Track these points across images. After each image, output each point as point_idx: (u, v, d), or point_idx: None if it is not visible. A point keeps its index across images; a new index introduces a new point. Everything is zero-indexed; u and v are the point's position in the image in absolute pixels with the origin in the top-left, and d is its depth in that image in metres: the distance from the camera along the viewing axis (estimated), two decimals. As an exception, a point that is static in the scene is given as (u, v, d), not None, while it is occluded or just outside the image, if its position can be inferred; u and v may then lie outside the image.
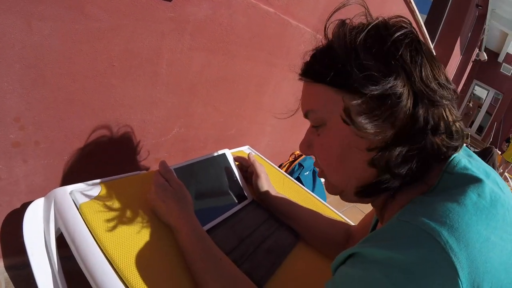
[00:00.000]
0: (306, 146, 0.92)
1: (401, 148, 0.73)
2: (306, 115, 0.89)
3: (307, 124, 0.92)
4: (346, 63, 0.74)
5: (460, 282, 0.57)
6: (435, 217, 0.64)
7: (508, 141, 11.30)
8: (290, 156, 3.39)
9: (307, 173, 3.31)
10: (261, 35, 2.17)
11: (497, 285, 0.60)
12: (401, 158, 0.73)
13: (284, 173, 1.84)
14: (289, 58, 2.51)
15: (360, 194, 0.84)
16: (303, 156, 3.32)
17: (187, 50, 1.73)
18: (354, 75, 0.73)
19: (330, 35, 0.82)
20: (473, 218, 0.63)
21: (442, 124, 0.74)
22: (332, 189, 0.92)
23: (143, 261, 0.96)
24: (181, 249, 1.03)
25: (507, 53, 18.33)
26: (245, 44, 2.07)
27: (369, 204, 0.92)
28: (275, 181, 1.64)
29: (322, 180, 3.52)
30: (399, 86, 0.71)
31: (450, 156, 0.76)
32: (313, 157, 0.94)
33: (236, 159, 1.52)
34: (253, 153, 1.86)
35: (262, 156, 1.89)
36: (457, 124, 0.77)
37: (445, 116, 0.75)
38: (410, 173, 0.75)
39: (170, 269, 0.98)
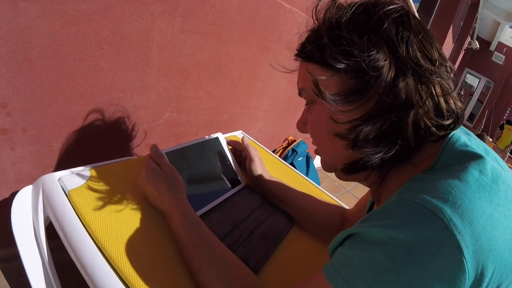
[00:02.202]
0: (302, 123, 0.95)
1: (375, 123, 0.73)
2: (300, 93, 0.92)
3: (300, 110, 0.92)
4: (326, 43, 0.76)
5: (464, 260, 0.56)
6: (437, 194, 0.62)
7: (502, 127, 11.26)
8: (284, 141, 3.37)
9: (301, 158, 3.31)
10: (254, 18, 2.14)
11: (501, 264, 0.59)
12: (375, 133, 0.74)
13: (278, 158, 1.84)
14: (282, 42, 2.49)
15: (346, 171, 0.86)
16: (297, 141, 3.31)
17: (178, 32, 1.69)
18: (327, 49, 0.76)
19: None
20: (476, 195, 0.62)
21: (429, 101, 0.73)
22: (326, 166, 0.94)
23: (135, 248, 0.94)
24: (174, 235, 1.01)
25: (499, 42, 18.39)
26: (238, 27, 2.04)
27: (363, 190, 0.91)
28: (269, 166, 1.62)
29: (316, 165, 3.51)
30: (381, 60, 0.71)
31: (449, 134, 0.76)
32: None
33: (229, 143, 1.50)
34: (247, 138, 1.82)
35: (256, 141, 1.88)
36: (453, 103, 0.77)
37: (434, 93, 0.74)
38: (392, 150, 0.75)
39: (163, 256, 0.96)
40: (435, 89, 0.73)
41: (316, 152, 0.95)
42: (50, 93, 1.37)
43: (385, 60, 0.71)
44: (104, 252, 0.90)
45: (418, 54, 0.72)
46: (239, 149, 1.51)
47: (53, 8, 1.22)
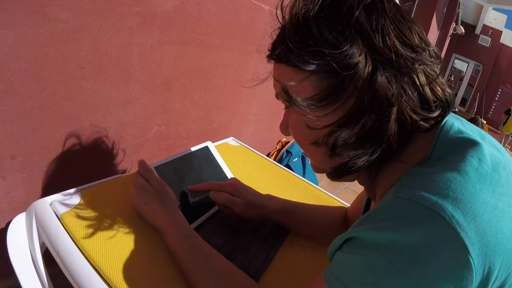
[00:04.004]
0: (284, 126, 0.89)
1: (354, 126, 0.69)
2: (277, 97, 0.86)
3: None
4: (294, 43, 0.70)
5: (471, 259, 0.54)
6: (435, 190, 0.59)
7: (508, 112, 11.09)
8: (277, 144, 3.37)
9: (296, 159, 3.30)
10: (233, 23, 2.12)
11: (509, 254, 0.57)
12: (356, 136, 0.70)
13: (273, 161, 1.82)
14: (264, 44, 2.42)
15: (334, 175, 0.82)
16: (290, 142, 3.31)
17: (158, 44, 1.68)
18: (294, 51, 0.70)
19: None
20: (477, 186, 0.59)
21: (413, 92, 0.68)
22: (315, 169, 0.90)
23: (132, 267, 0.93)
24: (170, 250, 0.99)
25: (484, 24, 18.46)
26: (218, 33, 2.02)
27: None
28: (264, 171, 1.63)
29: None
30: (355, 55, 0.65)
31: (440, 122, 0.73)
32: None
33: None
34: (238, 144, 1.85)
35: (248, 147, 1.87)
36: (440, 90, 0.73)
37: (418, 83, 0.69)
38: (378, 150, 0.71)
39: (161, 272, 0.94)
40: (418, 79, 0.69)
41: (305, 155, 0.92)
42: (35, 117, 1.35)
43: (360, 55, 0.65)
44: (101, 274, 0.89)
45: (396, 42, 0.67)
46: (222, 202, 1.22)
47: (29, 32, 1.21)
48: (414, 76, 0.68)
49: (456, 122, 0.73)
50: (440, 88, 0.73)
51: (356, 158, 0.72)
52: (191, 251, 0.95)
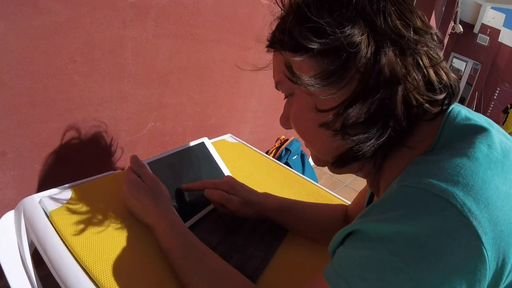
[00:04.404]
0: (284, 119, 0.87)
1: (361, 106, 0.67)
2: (277, 87, 0.85)
3: None
4: (294, 23, 0.70)
5: (484, 250, 0.50)
6: (444, 176, 0.55)
7: (506, 111, 10.98)
8: (276, 141, 3.37)
9: (295, 157, 3.31)
10: (231, 17, 2.09)
11: None
12: (364, 116, 0.68)
13: (272, 158, 1.79)
14: (262, 39, 2.40)
15: (337, 164, 0.79)
16: (289, 140, 3.31)
17: (152, 37, 1.64)
18: (296, 30, 0.69)
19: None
20: (489, 173, 0.56)
21: (417, 74, 0.66)
22: (317, 160, 0.87)
23: (122, 267, 0.89)
24: (162, 249, 0.95)
25: (482, 23, 18.50)
26: (215, 27, 1.99)
27: (363, 182, 0.85)
28: (263, 169, 1.61)
29: (312, 162, 3.48)
30: (357, 35, 0.64)
31: (446, 110, 0.70)
32: None
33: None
34: (236, 141, 1.82)
35: (246, 143, 1.84)
36: (444, 74, 0.70)
37: (422, 65, 0.67)
38: (385, 134, 0.69)
39: (153, 272, 0.91)
40: (422, 60, 0.67)
41: (307, 146, 0.87)
42: (26, 113, 1.32)
43: (362, 35, 0.64)
44: (89, 274, 0.85)
45: (398, 23, 0.65)
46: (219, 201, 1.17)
47: (20, 24, 1.18)
48: (418, 58, 0.67)
49: (462, 110, 0.70)
50: (444, 72, 0.71)
51: (363, 142, 0.69)
52: (184, 249, 0.92)
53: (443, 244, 0.51)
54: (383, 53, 0.64)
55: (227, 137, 1.88)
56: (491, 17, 18.57)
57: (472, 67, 20.74)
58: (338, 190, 3.85)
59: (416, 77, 0.66)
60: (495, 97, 18.99)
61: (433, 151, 0.65)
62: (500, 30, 18.74)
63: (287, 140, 3.34)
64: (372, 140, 0.69)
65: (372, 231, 0.59)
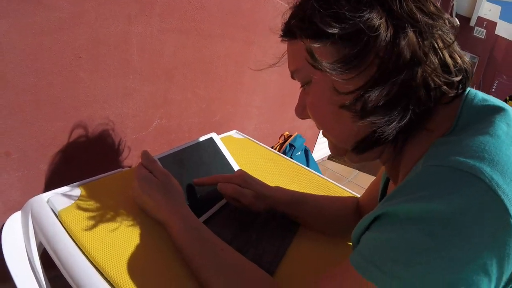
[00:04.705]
0: (300, 108, 0.87)
1: (382, 88, 0.67)
2: (292, 76, 0.85)
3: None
4: (314, 10, 0.70)
5: None
6: (470, 154, 0.56)
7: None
8: (280, 138, 3.36)
9: (299, 153, 3.32)
10: (235, 12, 2.08)
11: None
12: (384, 99, 0.68)
13: (280, 153, 1.78)
14: (265, 34, 2.44)
15: (358, 150, 0.78)
16: (293, 136, 3.31)
17: (157, 32, 1.62)
18: (316, 16, 0.69)
19: None
20: (511, 149, 0.56)
21: (434, 57, 0.67)
22: (335, 150, 0.87)
23: (137, 265, 0.86)
24: (176, 245, 0.93)
25: (478, 16, 18.53)
26: (219, 22, 1.97)
27: (365, 178, 0.84)
28: (271, 163, 1.60)
29: (316, 158, 3.46)
30: (375, 19, 0.65)
31: (463, 92, 0.71)
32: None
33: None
34: (242, 137, 1.82)
35: (253, 139, 1.83)
36: (458, 57, 0.72)
37: (438, 47, 0.68)
38: (406, 117, 0.69)
39: (168, 269, 0.88)
40: (437, 44, 0.68)
41: (324, 135, 0.87)
42: (30, 111, 1.30)
43: (380, 19, 0.65)
44: (103, 274, 0.83)
45: (414, 8, 0.66)
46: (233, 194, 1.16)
47: (24, 20, 1.15)
48: (433, 41, 0.67)
49: (479, 92, 0.72)
50: (458, 56, 0.72)
51: (384, 125, 0.69)
52: (199, 244, 0.90)
53: (473, 220, 0.50)
54: (403, 36, 0.64)
55: (233, 133, 1.88)
56: (487, 10, 18.58)
57: (469, 60, 20.85)
58: (342, 185, 3.85)
59: (433, 60, 0.67)
60: (493, 90, 19.02)
61: (452, 133, 0.66)
62: (496, 23, 18.75)
63: (290, 136, 3.34)
64: (394, 123, 0.69)
65: (402, 212, 0.58)
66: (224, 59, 2.17)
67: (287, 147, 3.23)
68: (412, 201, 0.56)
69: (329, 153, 5.01)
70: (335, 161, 4.88)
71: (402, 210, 0.58)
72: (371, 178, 1.06)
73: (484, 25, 18.94)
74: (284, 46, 0.85)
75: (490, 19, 18.75)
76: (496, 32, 18.94)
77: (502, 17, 19.08)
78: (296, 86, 0.85)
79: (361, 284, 0.60)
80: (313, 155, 3.45)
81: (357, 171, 4.75)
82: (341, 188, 1.56)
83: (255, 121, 2.88)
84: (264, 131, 3.10)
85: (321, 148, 4.49)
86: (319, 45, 0.70)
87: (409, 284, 0.53)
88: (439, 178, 0.56)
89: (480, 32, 19.14)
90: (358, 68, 0.68)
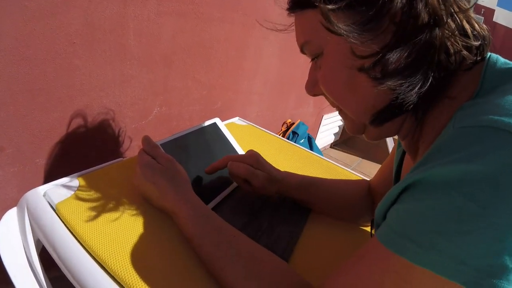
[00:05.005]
0: (311, 84, 0.84)
1: (402, 50, 0.65)
2: (302, 50, 0.82)
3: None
4: None
5: None
6: (503, 112, 0.52)
7: None
8: (282, 125, 3.34)
9: (302, 140, 3.33)
10: (234, -6, 2.03)
11: None
12: (404, 62, 0.65)
13: (284, 139, 1.77)
14: (266, 17, 2.38)
15: (378, 121, 0.75)
16: (296, 123, 3.29)
17: (155, 16, 1.57)
18: None
19: None
20: None
21: (451, 20, 0.65)
22: (354, 126, 0.83)
23: (143, 258, 0.81)
24: (185, 236, 0.88)
25: (476, 3, 18.56)
26: (218, 5, 1.92)
27: (368, 165, 0.80)
28: (277, 149, 1.59)
29: (320, 146, 3.43)
30: None
31: (484, 57, 0.69)
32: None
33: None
34: (245, 123, 1.80)
35: (256, 125, 1.81)
36: (475, 24, 0.71)
37: (454, 11, 0.66)
38: (427, 82, 0.67)
39: (176, 261, 0.83)
40: (453, 8, 0.65)
41: (341, 114, 0.84)
42: (23, 102, 1.25)
43: None
44: (107, 269, 0.78)
45: None
46: (240, 174, 1.12)
47: (14, 5, 1.11)
48: (448, 5, 0.65)
49: (499, 56, 0.69)
50: (475, 22, 0.71)
51: (405, 91, 0.67)
52: (212, 233, 0.85)
53: None
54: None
55: (236, 120, 1.86)
56: (485, -4, 18.65)
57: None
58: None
59: (451, 24, 0.65)
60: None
61: (477, 97, 0.63)
62: (494, 10, 18.80)
63: (293, 123, 3.33)
64: (415, 89, 0.67)
65: (438, 177, 0.53)
66: (224, 43, 2.12)
67: (290, 134, 3.23)
68: (450, 164, 0.52)
69: (331, 141, 5.03)
70: (337, 149, 4.88)
71: (439, 174, 0.53)
72: (374, 166, 1.02)
73: (482, 12, 18.97)
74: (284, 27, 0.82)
75: (488, 6, 18.78)
76: (494, 19, 18.99)
77: (500, 4, 19.05)
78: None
79: (373, 277, 0.58)
80: (315, 142, 3.43)
81: (360, 158, 4.77)
82: (350, 172, 1.55)
83: (257, 108, 2.85)
84: (266, 119, 3.08)
85: (324, 137, 4.48)
86: (334, 7, 0.66)
87: (451, 257, 0.48)
88: (476, 138, 0.52)
89: (478, 19, 19.27)
90: (375, 30, 0.65)
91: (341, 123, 4.79)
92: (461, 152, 0.51)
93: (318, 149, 3.46)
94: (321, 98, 0.83)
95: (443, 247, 0.49)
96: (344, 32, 0.65)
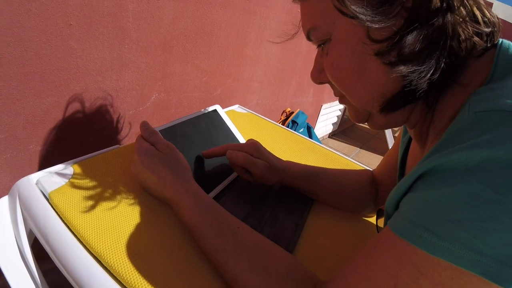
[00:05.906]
0: (317, 72, 0.82)
1: (415, 35, 0.63)
2: (308, 37, 0.80)
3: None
4: None
5: None
6: None
7: None
8: (282, 114, 3.34)
9: (302, 130, 3.35)
10: (236, -21, 2.00)
11: None
12: (418, 47, 0.64)
13: (285, 127, 1.77)
14: (268, 4, 2.37)
15: (388, 109, 0.74)
16: (295, 112, 3.30)
17: (155, -2, 1.53)
18: None
19: None
20: None
21: (462, 7, 0.64)
22: (358, 115, 0.82)
23: (140, 250, 0.78)
24: (186, 226, 0.86)
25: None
26: (219, -10, 1.89)
27: (367, 155, 0.77)
28: (278, 137, 1.58)
29: (319, 135, 3.42)
30: None
31: (496, 44, 0.68)
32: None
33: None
34: (245, 111, 1.79)
35: (256, 113, 1.80)
36: (486, 10, 0.69)
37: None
38: (438, 69, 0.65)
39: (176, 255, 0.80)
40: None
41: (342, 101, 0.83)
42: (16, 85, 1.21)
43: None
44: (101, 261, 0.74)
45: None
46: (239, 163, 1.12)
47: None
48: None
49: (511, 43, 0.68)
50: (485, 9, 0.69)
51: (418, 77, 0.65)
52: (214, 224, 0.82)
53: None
54: None
55: (236, 107, 1.84)
56: (484, -10, 18.82)
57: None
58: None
59: (462, 11, 0.64)
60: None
61: (491, 81, 0.62)
62: (493, 3, 18.90)
63: (292, 112, 3.34)
64: (427, 75, 0.65)
65: (456, 163, 0.52)
66: (225, 29, 2.09)
67: (289, 123, 3.24)
68: (470, 149, 0.50)
69: (330, 131, 5.03)
70: (336, 139, 4.88)
71: (456, 159, 0.51)
72: (373, 156, 1.00)
73: (481, 6, 19.33)
74: (285, 16, 0.80)
75: (487, 0, 18.97)
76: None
77: (499, -3, 19.28)
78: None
79: (387, 269, 0.56)
80: (315, 131, 3.43)
81: (358, 149, 4.81)
82: (352, 162, 1.55)
83: (257, 97, 2.83)
84: (266, 107, 3.07)
85: (322, 126, 4.50)
86: None
87: (468, 247, 0.47)
88: (494, 123, 0.51)
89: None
90: (388, 13, 0.63)
91: (340, 113, 4.79)
92: (479, 136, 0.50)
93: (318, 138, 3.46)
94: (321, 87, 0.80)
95: (460, 236, 0.48)
96: (359, 15, 0.63)
